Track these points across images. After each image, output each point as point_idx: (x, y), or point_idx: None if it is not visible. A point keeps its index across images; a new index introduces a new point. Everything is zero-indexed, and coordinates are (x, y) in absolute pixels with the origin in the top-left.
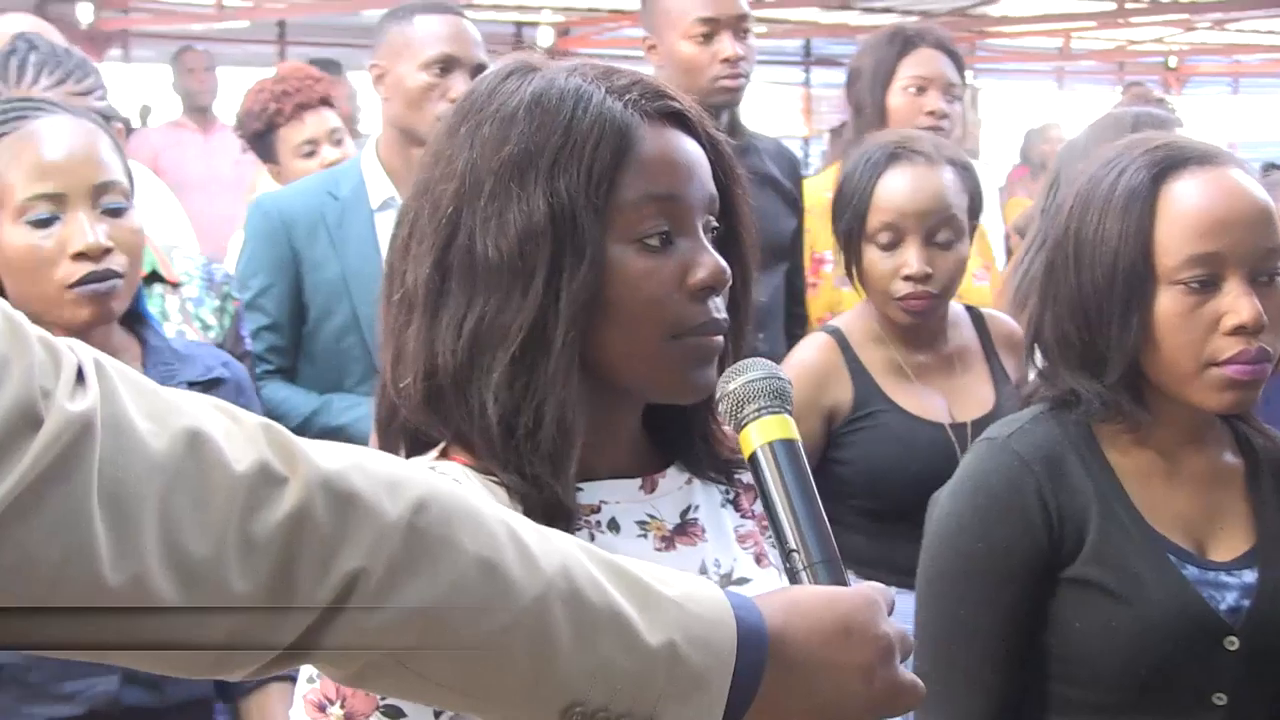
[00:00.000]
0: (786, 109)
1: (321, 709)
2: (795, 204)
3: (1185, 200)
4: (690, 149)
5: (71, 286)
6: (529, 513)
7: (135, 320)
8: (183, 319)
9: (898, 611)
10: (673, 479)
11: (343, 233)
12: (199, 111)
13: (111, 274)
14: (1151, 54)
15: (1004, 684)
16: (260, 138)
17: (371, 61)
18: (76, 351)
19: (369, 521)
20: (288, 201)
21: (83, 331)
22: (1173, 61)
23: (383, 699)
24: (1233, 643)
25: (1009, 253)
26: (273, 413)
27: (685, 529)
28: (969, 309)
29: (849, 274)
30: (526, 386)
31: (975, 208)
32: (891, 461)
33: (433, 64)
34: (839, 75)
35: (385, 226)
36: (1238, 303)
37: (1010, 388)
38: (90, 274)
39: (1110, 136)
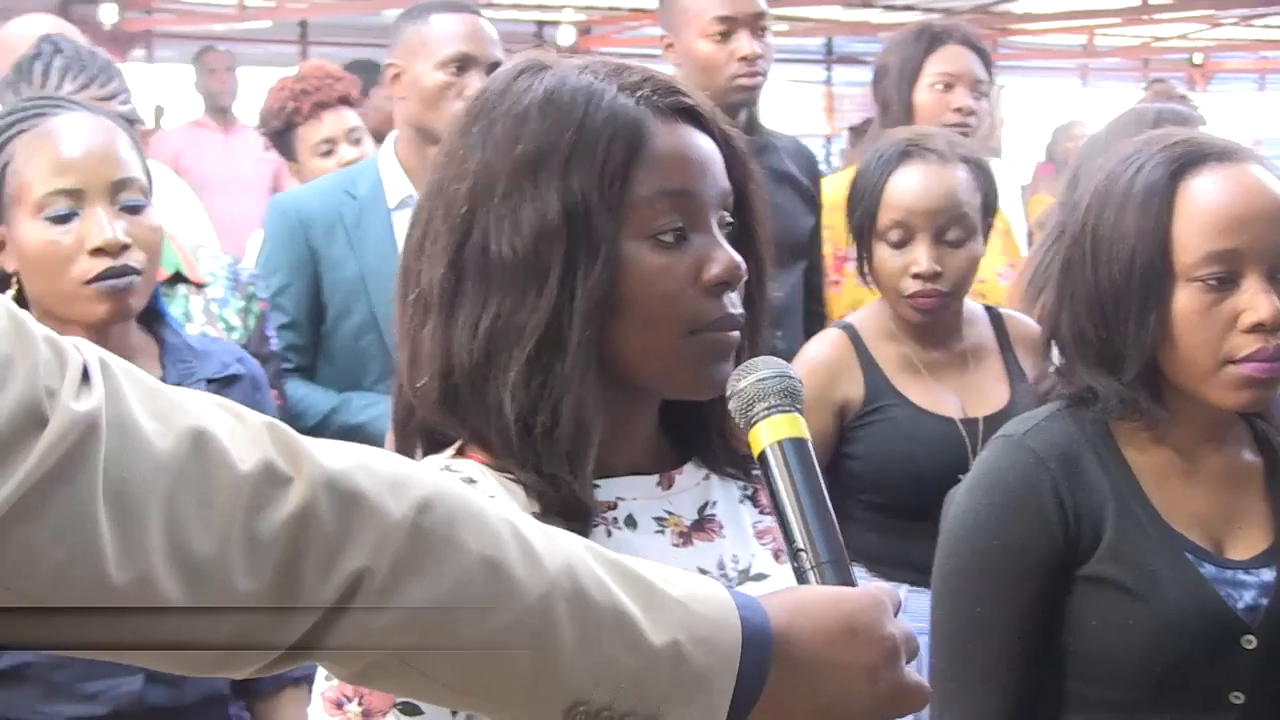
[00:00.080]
0: (808, 107)
1: (339, 706)
2: (813, 202)
3: (1203, 197)
4: (703, 144)
5: (89, 282)
6: (546, 510)
7: (152, 318)
8: (206, 320)
9: (911, 610)
10: (690, 475)
11: (360, 232)
12: (220, 111)
13: (129, 270)
14: (1176, 50)
15: (1020, 682)
16: (280, 136)
17: (388, 61)
18: (82, 351)
19: (373, 521)
20: (305, 201)
21: (100, 328)
22: (1198, 58)
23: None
24: (1250, 641)
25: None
26: (291, 410)
27: (703, 525)
28: (988, 309)
29: (861, 271)
30: (543, 385)
31: (989, 206)
32: (900, 455)
33: (449, 63)
34: (861, 73)
35: (403, 225)
36: (1256, 300)
37: (1026, 385)
38: (108, 270)
39: (1131, 133)
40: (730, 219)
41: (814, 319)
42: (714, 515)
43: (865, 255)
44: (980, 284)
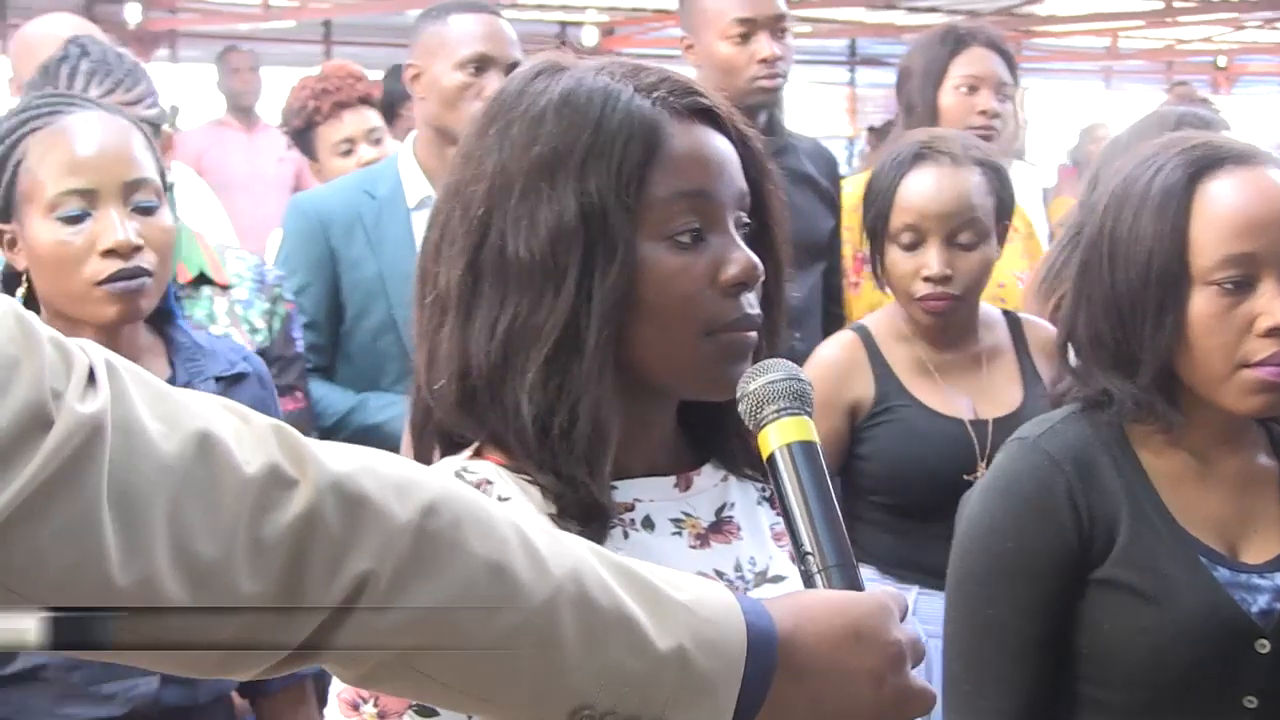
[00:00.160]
0: (831, 109)
1: (355, 707)
2: (833, 203)
3: (1221, 200)
4: (720, 145)
5: (100, 284)
6: (564, 512)
7: (160, 317)
8: (230, 321)
9: (922, 613)
10: (708, 476)
11: (380, 232)
12: (243, 111)
13: (141, 272)
14: (1200, 53)
15: (1034, 684)
16: (300, 135)
17: (407, 61)
18: (88, 352)
19: (378, 524)
20: (325, 201)
21: (110, 329)
22: (1222, 61)
23: None
24: (1264, 645)
25: None
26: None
27: (720, 527)
28: (1006, 313)
29: (874, 273)
30: (560, 386)
31: (1004, 209)
32: (908, 456)
33: (467, 63)
34: (884, 75)
35: (422, 226)
36: (1273, 304)
37: (1040, 388)
38: (120, 271)
39: (1153, 135)
40: (748, 220)
41: (832, 320)
42: (732, 517)
43: (878, 257)
44: (1000, 288)
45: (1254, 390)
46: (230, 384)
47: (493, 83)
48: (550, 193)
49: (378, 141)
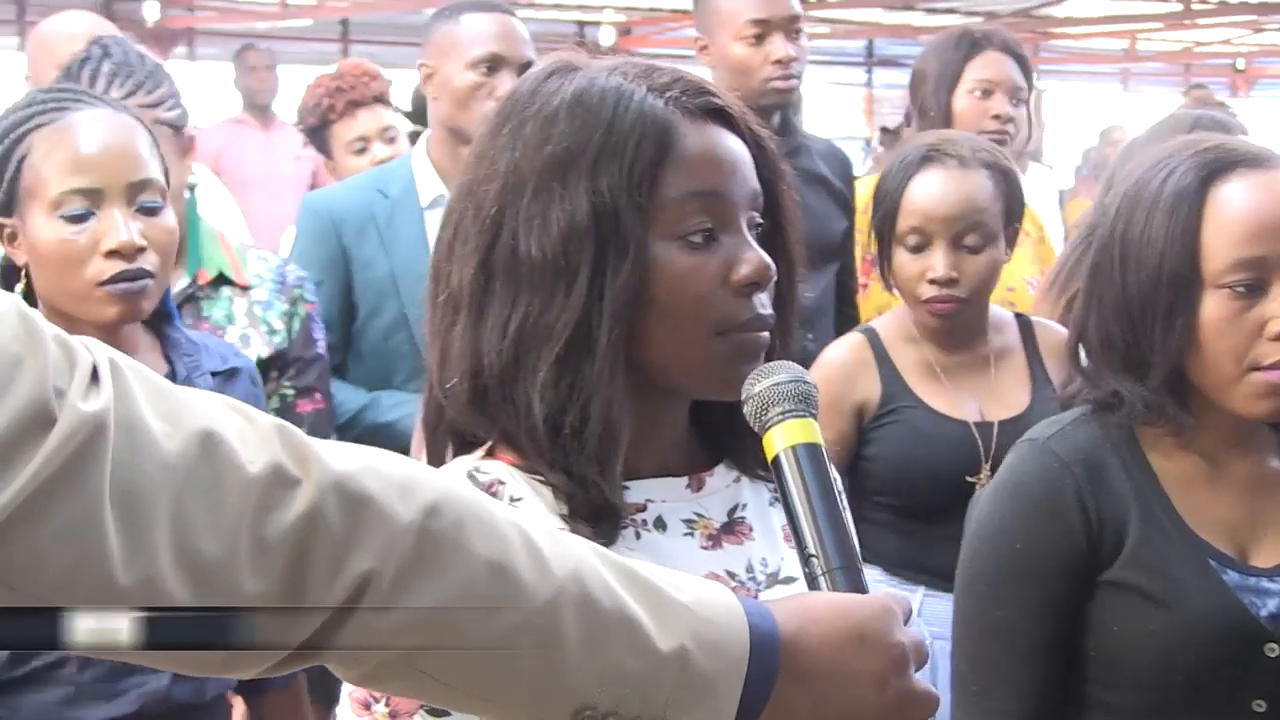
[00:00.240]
0: (849, 110)
1: (367, 707)
2: (846, 204)
3: (1233, 203)
4: (733, 145)
5: (103, 284)
6: (575, 512)
7: (155, 315)
8: (249, 323)
9: (927, 614)
10: (721, 477)
11: (392, 231)
12: (260, 109)
13: (144, 273)
14: (1219, 56)
15: (1042, 686)
16: (315, 133)
17: (420, 61)
18: (92, 351)
19: (381, 524)
20: (338, 199)
21: (109, 328)
22: (1240, 63)
23: None
24: (1273, 649)
25: None
26: None
27: (732, 528)
28: (1018, 316)
29: (882, 275)
30: (572, 386)
31: (1012, 212)
32: (913, 457)
33: (479, 63)
34: (901, 76)
35: (435, 225)
36: None
37: (1049, 391)
38: (122, 272)
39: (1168, 139)
40: (760, 220)
41: (846, 321)
42: (744, 518)
43: (885, 259)
44: (1009, 291)
45: (1264, 394)
46: (225, 379)
47: (505, 82)
48: (562, 192)
49: (392, 140)
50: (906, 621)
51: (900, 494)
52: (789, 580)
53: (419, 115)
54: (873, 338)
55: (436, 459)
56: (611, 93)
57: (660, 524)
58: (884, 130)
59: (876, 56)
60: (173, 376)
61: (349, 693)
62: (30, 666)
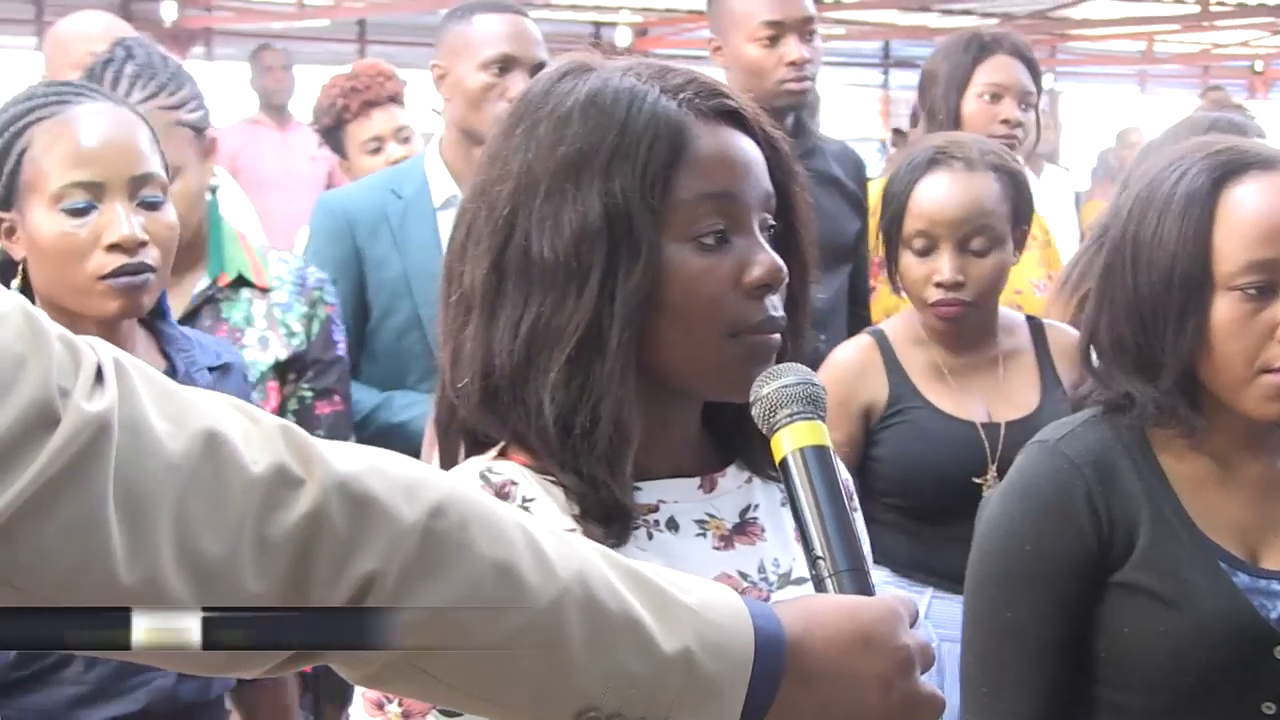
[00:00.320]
0: (864, 111)
1: (380, 707)
2: (859, 206)
3: (1245, 205)
4: (746, 147)
5: (104, 278)
6: (586, 513)
7: (149, 311)
8: (268, 325)
9: (939, 617)
10: (733, 478)
11: (405, 231)
12: (276, 109)
13: (145, 268)
14: (1237, 58)
15: (1052, 688)
16: (330, 133)
17: (433, 62)
18: (97, 350)
19: (385, 525)
20: (351, 199)
21: (109, 323)
22: (1259, 65)
23: None
24: None
25: None
26: None
27: (744, 528)
28: (1029, 318)
29: (890, 278)
30: (583, 386)
31: (1020, 215)
32: (918, 457)
33: (491, 64)
34: (917, 77)
35: (447, 225)
36: None
37: (1059, 392)
38: (123, 266)
39: (1186, 141)
40: (773, 222)
41: (858, 322)
42: (756, 519)
43: (892, 262)
44: (1017, 295)
45: (1275, 396)
46: (220, 375)
47: (517, 83)
48: (575, 193)
49: (406, 140)
50: (913, 624)
51: (906, 495)
52: (801, 581)
53: None
54: (881, 339)
55: (449, 459)
56: (625, 94)
57: (672, 524)
58: (896, 132)
59: (892, 58)
60: (172, 373)
61: (362, 693)
62: (37, 666)
